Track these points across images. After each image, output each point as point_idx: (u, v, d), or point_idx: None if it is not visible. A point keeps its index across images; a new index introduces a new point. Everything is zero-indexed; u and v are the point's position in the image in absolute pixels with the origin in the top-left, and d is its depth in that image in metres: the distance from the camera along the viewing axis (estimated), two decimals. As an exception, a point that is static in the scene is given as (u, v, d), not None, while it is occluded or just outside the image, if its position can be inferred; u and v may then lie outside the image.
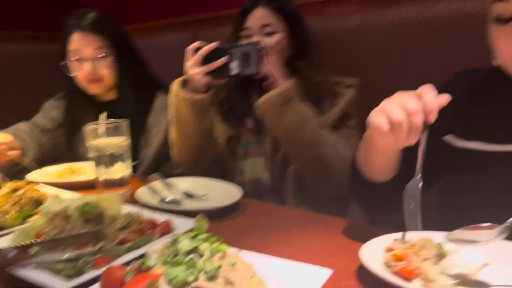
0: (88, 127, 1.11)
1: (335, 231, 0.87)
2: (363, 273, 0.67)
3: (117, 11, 2.01)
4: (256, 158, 1.36)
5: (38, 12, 2.26)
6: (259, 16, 1.29)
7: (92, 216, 0.79)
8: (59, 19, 1.55)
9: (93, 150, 1.11)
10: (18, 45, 2.13)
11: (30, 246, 0.73)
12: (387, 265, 0.67)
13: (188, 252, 0.59)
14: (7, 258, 0.69)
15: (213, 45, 1.18)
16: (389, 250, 0.69)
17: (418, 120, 0.65)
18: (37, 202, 0.96)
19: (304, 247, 0.81)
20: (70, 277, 0.68)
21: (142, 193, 1.12)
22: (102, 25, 1.49)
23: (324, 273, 0.66)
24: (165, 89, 1.56)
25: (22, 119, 1.61)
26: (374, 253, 0.69)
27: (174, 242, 0.61)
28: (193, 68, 1.19)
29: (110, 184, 1.13)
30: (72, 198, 0.87)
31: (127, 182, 1.16)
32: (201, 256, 0.59)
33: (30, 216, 0.92)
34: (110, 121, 1.13)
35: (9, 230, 0.86)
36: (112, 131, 1.11)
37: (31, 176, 1.30)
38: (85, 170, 1.40)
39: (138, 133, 1.49)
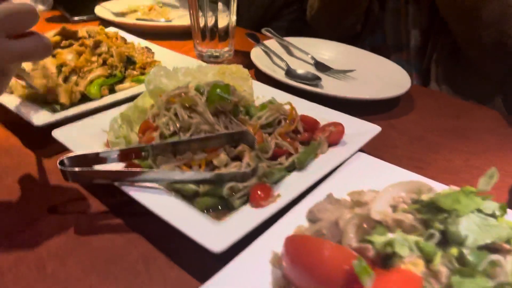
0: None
1: None
2: None
3: None
4: (404, 15, 0.98)
5: None
6: None
7: (228, 107, 0.49)
8: None
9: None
10: None
11: (140, 150, 0.45)
12: None
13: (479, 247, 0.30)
14: (113, 171, 0.42)
15: None
16: None
17: None
18: (128, 60, 0.65)
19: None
20: (208, 210, 0.42)
21: (258, 56, 0.80)
22: None
23: None
24: None
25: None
26: None
27: (433, 208, 0.32)
28: None
29: (211, 34, 0.81)
30: (187, 68, 0.56)
31: (231, 34, 0.83)
32: (497, 251, 0.30)
33: (121, 82, 0.63)
34: None
35: (97, 104, 0.57)
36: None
37: (100, 10, 0.99)
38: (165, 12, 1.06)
39: None
